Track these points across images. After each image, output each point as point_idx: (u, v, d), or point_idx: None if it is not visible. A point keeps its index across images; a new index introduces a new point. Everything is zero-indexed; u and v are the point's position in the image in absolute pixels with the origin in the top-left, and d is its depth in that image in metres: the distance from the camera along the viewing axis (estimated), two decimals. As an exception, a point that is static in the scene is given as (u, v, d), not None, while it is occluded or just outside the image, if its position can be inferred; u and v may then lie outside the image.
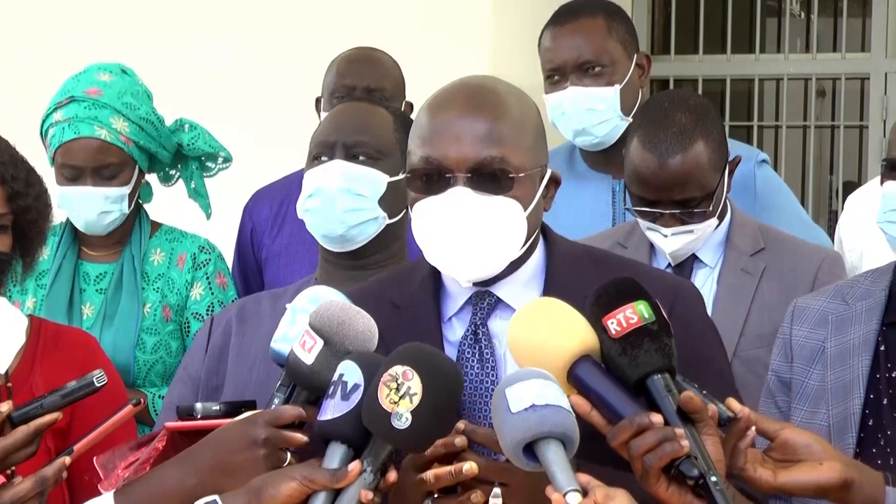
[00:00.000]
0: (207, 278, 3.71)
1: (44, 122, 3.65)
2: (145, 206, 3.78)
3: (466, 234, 2.21)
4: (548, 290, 2.26)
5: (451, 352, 2.27)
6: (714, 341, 2.35)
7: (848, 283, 2.68)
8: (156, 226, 3.78)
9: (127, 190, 3.61)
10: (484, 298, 2.29)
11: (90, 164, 3.57)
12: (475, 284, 2.28)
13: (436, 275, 2.32)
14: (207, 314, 3.66)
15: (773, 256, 3.19)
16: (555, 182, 2.32)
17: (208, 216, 3.87)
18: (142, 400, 2.38)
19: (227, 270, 3.79)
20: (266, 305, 2.91)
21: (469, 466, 2.05)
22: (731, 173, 3.16)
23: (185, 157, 3.78)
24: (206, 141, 3.76)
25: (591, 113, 3.69)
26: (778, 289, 3.15)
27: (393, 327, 2.25)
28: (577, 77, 3.69)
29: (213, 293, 3.71)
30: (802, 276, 3.16)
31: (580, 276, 2.23)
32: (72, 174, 3.58)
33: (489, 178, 2.20)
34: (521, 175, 2.21)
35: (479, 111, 2.22)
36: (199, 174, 3.81)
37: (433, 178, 2.22)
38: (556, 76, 3.72)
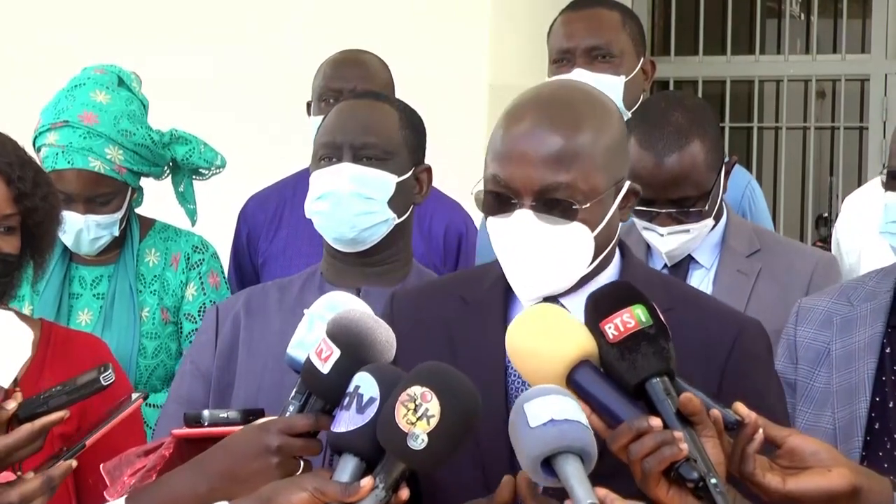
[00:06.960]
0: (200, 278, 3.65)
1: (36, 136, 3.57)
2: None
3: (530, 258, 2.18)
4: None
5: None
6: (773, 378, 2.31)
7: (852, 284, 2.67)
8: (149, 223, 3.72)
9: (118, 216, 3.56)
10: None
11: (83, 193, 3.51)
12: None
13: (506, 279, 2.29)
14: (199, 315, 3.61)
15: (768, 258, 3.19)
16: (634, 194, 2.24)
17: (193, 223, 3.81)
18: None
19: (220, 270, 3.73)
20: (273, 298, 2.89)
21: None
22: (727, 174, 3.16)
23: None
24: (201, 155, 3.69)
25: None
26: (773, 290, 3.14)
27: (459, 319, 2.25)
28: (585, 62, 3.68)
29: (205, 293, 3.65)
30: (798, 278, 3.16)
31: (650, 297, 2.13)
32: (63, 198, 3.44)
33: (555, 204, 2.15)
34: (586, 206, 2.15)
35: (550, 128, 2.14)
36: (189, 181, 3.75)
37: (500, 199, 2.18)
38: (565, 60, 3.71)
